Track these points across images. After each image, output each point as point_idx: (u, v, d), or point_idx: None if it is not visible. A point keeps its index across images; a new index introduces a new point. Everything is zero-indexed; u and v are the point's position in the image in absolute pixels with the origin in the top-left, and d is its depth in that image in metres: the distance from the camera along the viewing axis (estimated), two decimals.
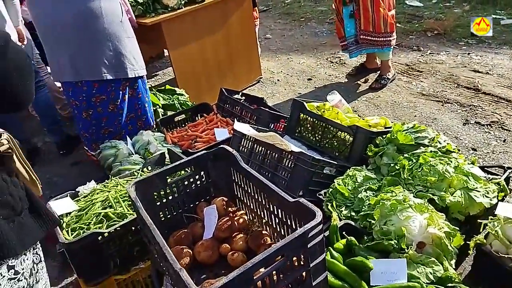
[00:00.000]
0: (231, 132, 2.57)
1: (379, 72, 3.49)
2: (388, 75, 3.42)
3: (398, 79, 3.51)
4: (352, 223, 1.55)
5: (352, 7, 3.18)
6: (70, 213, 1.70)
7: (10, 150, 1.13)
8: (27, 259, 1.09)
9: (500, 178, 1.63)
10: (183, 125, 2.91)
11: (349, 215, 1.63)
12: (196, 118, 2.97)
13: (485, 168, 1.75)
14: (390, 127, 2.06)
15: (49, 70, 4.00)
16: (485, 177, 1.65)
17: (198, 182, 1.55)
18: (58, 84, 3.27)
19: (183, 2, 3.08)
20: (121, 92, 2.49)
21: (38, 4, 2.29)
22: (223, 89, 2.97)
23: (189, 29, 3.21)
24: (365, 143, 1.99)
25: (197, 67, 3.38)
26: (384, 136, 2.00)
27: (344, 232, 1.48)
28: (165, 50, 4.58)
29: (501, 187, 1.59)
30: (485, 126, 2.66)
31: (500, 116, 2.72)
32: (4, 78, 1.05)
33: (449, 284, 1.17)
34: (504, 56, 3.59)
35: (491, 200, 1.50)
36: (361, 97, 3.30)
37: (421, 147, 1.85)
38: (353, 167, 1.86)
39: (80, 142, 2.89)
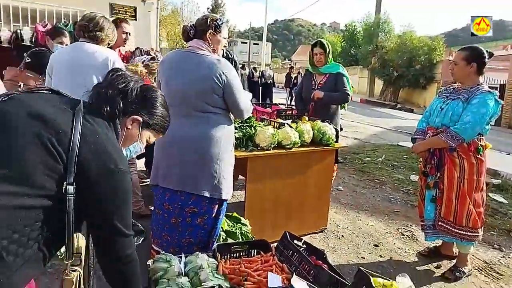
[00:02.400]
0: (284, 281, 2.44)
1: (454, 261, 3.22)
2: (465, 269, 3.13)
3: (474, 275, 3.18)
4: None
5: (435, 192, 3.14)
6: None
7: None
8: None
9: None
10: (238, 256, 2.86)
11: None
12: (253, 252, 2.91)
13: None
14: None
15: (139, 163, 4.45)
16: None
17: None
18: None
19: (272, 145, 3.36)
20: (211, 209, 2.69)
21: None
22: (287, 233, 2.93)
23: (271, 169, 3.42)
24: None
25: (267, 203, 3.47)
26: None
27: None
28: (241, 176, 4.84)
29: None
30: None
31: None
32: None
33: None
34: None
35: None
36: (432, 285, 2.99)
37: None
38: None
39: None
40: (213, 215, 2.74)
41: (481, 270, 3.30)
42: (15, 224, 1.08)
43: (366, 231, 3.98)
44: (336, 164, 4.10)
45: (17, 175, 1.11)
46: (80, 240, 1.53)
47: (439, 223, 3.10)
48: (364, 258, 3.38)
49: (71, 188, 1.18)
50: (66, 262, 1.33)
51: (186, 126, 2.56)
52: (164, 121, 1.58)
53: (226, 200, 2.78)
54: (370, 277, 2.16)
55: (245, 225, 3.27)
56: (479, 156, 2.98)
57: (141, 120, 1.47)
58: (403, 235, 3.94)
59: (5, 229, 1.06)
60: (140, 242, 1.99)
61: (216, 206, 2.74)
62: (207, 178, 2.61)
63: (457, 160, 3.01)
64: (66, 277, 1.33)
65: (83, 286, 1.42)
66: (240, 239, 3.06)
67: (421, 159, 3.36)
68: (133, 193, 3.61)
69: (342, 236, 3.82)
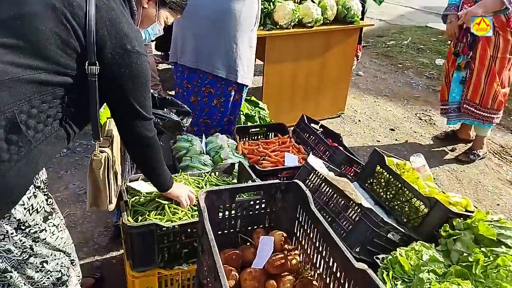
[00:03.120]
0: (300, 160, 2.55)
1: (470, 145, 3.26)
2: (479, 152, 3.18)
3: (488, 158, 3.25)
4: None
5: (466, 73, 3.00)
6: (138, 194, 1.79)
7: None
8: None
9: None
10: (256, 138, 2.96)
11: None
12: (270, 135, 3.00)
13: None
14: (472, 212, 1.90)
15: (153, 47, 4.35)
16: None
17: (263, 208, 1.55)
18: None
19: (292, 23, 3.15)
20: (228, 92, 2.68)
21: None
22: (304, 116, 2.96)
23: (290, 49, 3.27)
24: (441, 220, 1.85)
25: (285, 87, 3.43)
26: (462, 219, 1.85)
27: None
28: (257, 60, 4.70)
29: None
30: None
31: None
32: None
33: None
34: None
35: None
36: (444, 166, 3.10)
37: (503, 246, 1.68)
38: (421, 242, 1.74)
39: None
40: (231, 98, 2.73)
41: (495, 153, 3.36)
42: (32, 98, 1.08)
43: (384, 116, 3.98)
44: (360, 46, 3.88)
45: (29, 46, 1.07)
46: (111, 123, 1.57)
47: (464, 105, 3.04)
48: (379, 141, 3.46)
49: (93, 69, 1.15)
50: (94, 143, 1.37)
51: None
52: None
53: (244, 85, 2.73)
54: (385, 156, 2.22)
55: (263, 109, 3.29)
56: None
57: None
58: (421, 119, 3.94)
59: (22, 102, 1.06)
60: (188, 124, 2.05)
61: (234, 90, 2.71)
62: (222, 56, 2.53)
63: (493, 38, 2.80)
64: (94, 157, 1.39)
65: (111, 167, 1.47)
66: (258, 123, 3.13)
67: (449, 41, 3.13)
68: (151, 76, 3.60)
69: (359, 120, 3.85)
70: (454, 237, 1.76)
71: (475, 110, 3.00)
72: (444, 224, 1.83)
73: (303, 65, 3.43)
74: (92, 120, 1.26)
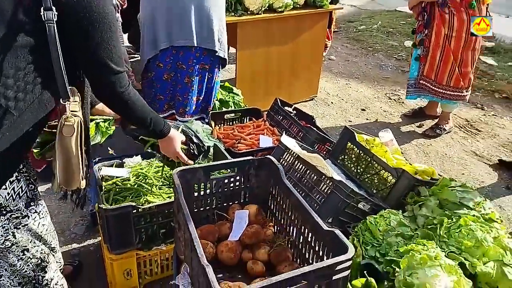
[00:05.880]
0: (275, 142, 2.61)
1: (436, 120, 3.40)
2: (445, 127, 3.33)
3: (454, 132, 3.40)
4: (375, 264, 1.54)
5: (421, 50, 3.14)
6: (113, 178, 1.81)
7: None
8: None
9: None
10: (231, 124, 3.00)
11: (373, 255, 1.61)
12: (245, 120, 3.04)
13: None
14: (437, 179, 2.01)
15: (125, 39, 4.29)
16: None
17: (237, 185, 1.60)
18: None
19: (263, 8, 3.18)
20: (214, 69, 2.66)
21: None
22: (278, 99, 3.02)
23: (262, 35, 3.30)
24: (407, 189, 1.96)
25: (258, 72, 3.47)
26: (428, 186, 1.96)
27: (365, 272, 1.47)
28: (230, 48, 4.72)
29: None
30: None
31: None
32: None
33: None
34: None
35: None
36: (412, 142, 3.23)
37: (465, 208, 1.79)
38: (389, 210, 1.84)
39: None
40: (201, 77, 2.68)
41: (461, 127, 3.52)
42: (5, 69, 1.04)
43: (355, 97, 4.09)
44: (331, 29, 3.96)
45: None
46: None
47: (421, 81, 3.19)
48: (351, 121, 3.56)
49: (49, 14, 1.05)
50: (63, 103, 1.17)
51: None
52: None
53: (218, 66, 2.71)
54: (355, 133, 2.30)
55: (238, 94, 3.33)
56: (472, 12, 2.87)
57: None
58: (390, 99, 4.07)
59: None
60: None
61: (206, 72, 2.68)
62: (216, 32, 2.54)
63: (447, 17, 2.92)
64: (65, 122, 1.16)
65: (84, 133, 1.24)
66: (233, 108, 3.16)
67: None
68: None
69: (332, 103, 3.94)
70: (420, 203, 1.87)
71: (431, 86, 3.14)
72: (411, 192, 1.94)
73: (275, 50, 3.47)
74: (57, 74, 1.11)
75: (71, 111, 1.17)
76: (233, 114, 3.03)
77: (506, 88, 4.26)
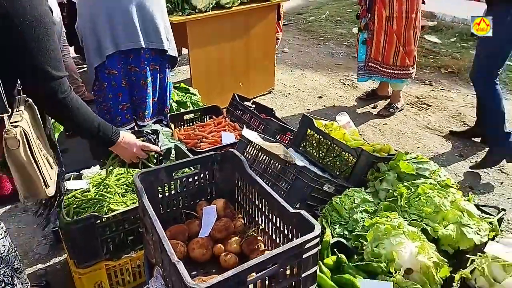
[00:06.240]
0: (237, 137, 2.62)
1: (389, 100, 3.55)
2: (397, 105, 3.48)
3: (406, 109, 3.57)
4: (344, 241, 1.59)
5: (366, 34, 3.29)
6: (71, 191, 1.74)
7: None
8: None
9: (493, 218, 1.67)
10: (191, 124, 2.97)
11: (342, 233, 1.67)
12: (205, 119, 3.02)
13: (480, 207, 1.78)
14: (393, 155, 2.10)
15: (72, 50, 4.11)
16: (479, 215, 1.68)
17: (202, 182, 1.59)
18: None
19: (211, 6, 3.16)
20: (150, 72, 2.53)
21: None
22: (235, 95, 3.02)
23: (212, 33, 3.29)
24: (367, 166, 2.03)
25: (213, 70, 3.45)
26: (386, 162, 2.04)
27: (335, 249, 1.51)
28: (183, 49, 4.67)
29: (493, 227, 1.63)
30: None
31: None
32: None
33: None
34: (510, 102, 3.65)
35: (481, 237, 1.53)
36: (369, 122, 3.36)
37: (422, 178, 1.89)
38: (352, 188, 1.90)
39: None
40: (154, 78, 2.60)
41: (412, 104, 3.70)
42: None
43: (312, 86, 4.18)
44: (280, 22, 4.02)
45: None
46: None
47: (369, 63, 3.33)
48: (309, 109, 3.64)
49: None
50: (1, 116, 1.09)
51: None
52: None
53: (167, 66, 2.63)
54: (313, 119, 2.36)
55: (194, 94, 3.30)
56: None
57: None
58: (344, 84, 4.20)
59: None
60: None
61: (157, 73, 2.60)
62: (163, 30, 2.47)
63: (386, 0, 3.06)
64: (6, 135, 1.08)
65: (34, 143, 1.16)
66: (191, 108, 3.13)
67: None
68: (72, 77, 3.42)
69: (289, 93, 4.01)
70: (380, 178, 1.95)
71: (380, 67, 3.29)
72: (371, 169, 2.02)
73: (228, 46, 3.48)
74: None
75: (11, 122, 1.09)
76: (192, 114, 3.00)
77: (450, 63, 4.53)
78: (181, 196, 1.56)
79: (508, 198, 2.37)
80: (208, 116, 3.03)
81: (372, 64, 3.33)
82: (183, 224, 1.51)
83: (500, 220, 1.74)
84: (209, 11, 3.20)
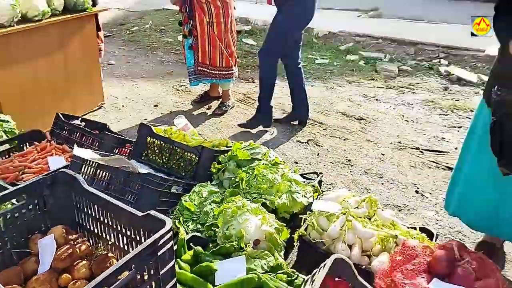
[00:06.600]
0: (68, 159, 2.39)
1: (221, 99, 3.83)
2: (229, 103, 3.79)
3: (237, 106, 3.91)
4: (199, 234, 1.66)
5: (192, 40, 3.46)
6: None
7: None
8: None
9: (314, 182, 2.02)
10: (7, 156, 2.55)
11: (195, 228, 1.74)
12: (24, 147, 2.64)
13: (304, 175, 2.14)
14: (231, 146, 2.30)
15: None
16: (304, 181, 2.02)
17: (32, 213, 1.41)
18: None
19: (16, 19, 2.77)
20: None
21: None
22: (59, 114, 2.74)
23: (21, 50, 2.91)
24: (210, 161, 2.16)
25: (28, 90, 3.04)
26: (226, 154, 2.22)
27: (191, 244, 1.57)
28: None
29: (315, 188, 1.98)
30: (304, 143, 3.21)
31: (315, 135, 3.34)
32: None
33: (280, 271, 1.39)
34: (317, 89, 4.42)
35: (308, 199, 1.85)
36: (206, 122, 3.54)
37: (256, 161, 2.13)
38: (199, 184, 2.00)
39: None
40: None
41: (241, 101, 4.07)
42: None
43: (146, 95, 4.13)
44: (100, 33, 3.81)
45: None
46: None
47: (199, 67, 3.55)
48: (146, 119, 3.59)
49: None
50: None
51: None
52: None
53: None
54: (151, 127, 2.35)
55: (7, 121, 2.82)
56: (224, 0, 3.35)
57: None
58: (178, 90, 4.30)
59: None
60: None
61: None
62: None
63: (205, 6, 3.32)
64: None
65: None
66: (5, 138, 2.68)
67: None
68: None
69: (123, 106, 3.86)
70: (222, 169, 2.11)
71: (208, 70, 3.56)
72: (213, 163, 2.15)
73: (43, 63, 3.12)
74: None
75: None
76: (6, 145, 2.57)
77: None
78: (7, 235, 1.35)
79: (324, 165, 2.88)
80: (28, 144, 2.65)
81: (201, 68, 3.54)
82: (15, 266, 1.31)
83: (320, 182, 2.12)
84: (14, 25, 2.80)
